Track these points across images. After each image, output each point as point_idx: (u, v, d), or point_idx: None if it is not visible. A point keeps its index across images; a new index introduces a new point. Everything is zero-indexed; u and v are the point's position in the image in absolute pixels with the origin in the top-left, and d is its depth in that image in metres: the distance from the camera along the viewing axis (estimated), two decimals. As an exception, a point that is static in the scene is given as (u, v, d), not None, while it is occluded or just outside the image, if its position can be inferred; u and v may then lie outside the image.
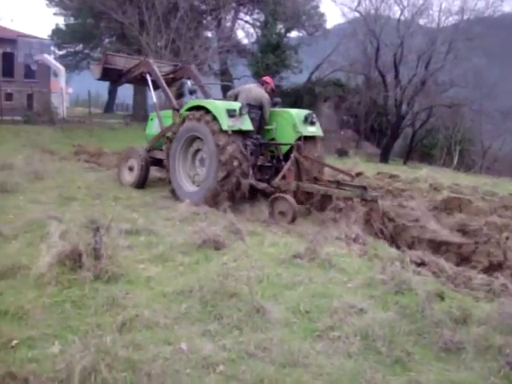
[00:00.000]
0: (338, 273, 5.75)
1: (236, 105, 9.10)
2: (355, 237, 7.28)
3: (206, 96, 11.52)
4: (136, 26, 25.42)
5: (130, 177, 10.98)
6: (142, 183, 10.85)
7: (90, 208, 8.03)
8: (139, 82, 12.80)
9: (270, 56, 34.21)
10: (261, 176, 9.46)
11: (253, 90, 10.18)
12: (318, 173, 9.37)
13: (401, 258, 6.32)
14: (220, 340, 3.92)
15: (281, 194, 8.41)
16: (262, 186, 8.99)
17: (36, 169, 11.19)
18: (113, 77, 12.90)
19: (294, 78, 39.54)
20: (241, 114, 8.94)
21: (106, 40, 44.26)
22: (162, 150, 10.63)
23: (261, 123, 10.07)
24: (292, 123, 9.72)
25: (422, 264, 6.43)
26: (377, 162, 30.15)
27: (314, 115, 10.06)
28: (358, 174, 14.35)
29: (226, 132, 8.67)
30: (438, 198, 10.61)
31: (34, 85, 39.10)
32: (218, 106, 8.99)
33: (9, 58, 39.20)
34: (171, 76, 12.30)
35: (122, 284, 4.85)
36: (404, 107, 33.45)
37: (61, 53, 46.04)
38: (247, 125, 9.07)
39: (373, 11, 34.99)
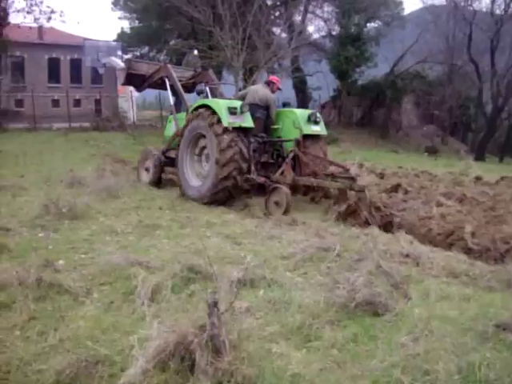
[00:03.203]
0: None
1: (237, 103, 9.43)
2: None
3: (213, 96, 11.91)
4: (210, 20, 23.74)
5: (146, 177, 11.49)
6: (156, 182, 11.27)
7: (181, 241, 6.30)
8: (160, 86, 13.33)
9: (350, 48, 32.34)
10: (265, 173, 9.67)
11: (259, 90, 10.51)
12: (319, 168, 9.41)
13: None
14: None
15: (277, 185, 8.77)
16: (262, 179, 9.25)
17: (108, 184, 9.83)
18: (136, 82, 13.62)
19: (368, 72, 37.02)
20: (242, 112, 9.23)
21: (173, 41, 43.15)
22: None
23: (267, 122, 10.43)
24: (295, 122, 10.02)
25: None
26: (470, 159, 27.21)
27: (318, 114, 10.45)
28: (478, 179, 12.28)
29: (226, 128, 8.97)
30: None
31: (102, 90, 38.55)
32: (220, 103, 9.36)
33: (76, 64, 38.85)
34: (192, 81, 12.92)
35: (260, 396, 2.97)
36: (501, 98, 30.21)
37: (126, 56, 45.42)
38: (248, 122, 9.36)
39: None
